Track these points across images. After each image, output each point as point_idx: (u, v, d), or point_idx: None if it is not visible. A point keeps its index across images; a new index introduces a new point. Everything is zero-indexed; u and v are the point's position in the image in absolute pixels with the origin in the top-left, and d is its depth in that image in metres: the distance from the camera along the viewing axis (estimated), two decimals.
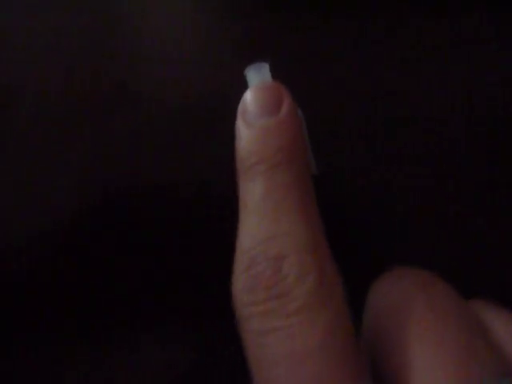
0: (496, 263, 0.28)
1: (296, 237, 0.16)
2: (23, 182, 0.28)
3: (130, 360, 0.28)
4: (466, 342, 0.15)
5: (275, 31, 0.28)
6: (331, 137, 0.28)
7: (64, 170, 0.27)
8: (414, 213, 0.28)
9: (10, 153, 0.28)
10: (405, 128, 0.28)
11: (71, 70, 0.28)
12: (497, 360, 0.15)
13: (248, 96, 0.19)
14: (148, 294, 0.27)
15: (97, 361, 0.27)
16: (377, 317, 0.17)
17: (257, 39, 0.28)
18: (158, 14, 0.29)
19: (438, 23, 0.29)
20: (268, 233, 0.16)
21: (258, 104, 0.18)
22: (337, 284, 0.16)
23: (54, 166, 0.28)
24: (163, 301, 0.27)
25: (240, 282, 0.17)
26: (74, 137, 0.28)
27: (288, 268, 0.16)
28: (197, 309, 0.27)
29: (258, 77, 0.19)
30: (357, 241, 0.28)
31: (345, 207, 0.28)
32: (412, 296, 0.16)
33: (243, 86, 0.20)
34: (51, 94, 0.28)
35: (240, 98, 0.19)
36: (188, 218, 0.27)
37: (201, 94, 0.28)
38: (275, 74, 0.20)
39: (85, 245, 0.27)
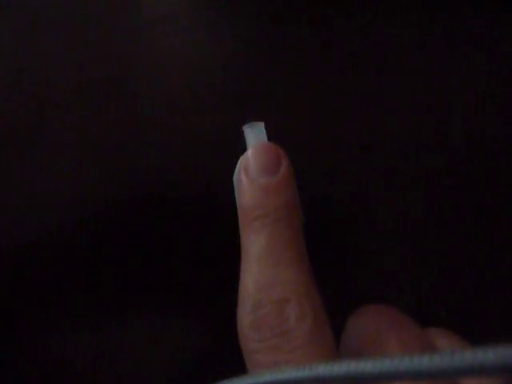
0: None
1: (296, 284, 0.19)
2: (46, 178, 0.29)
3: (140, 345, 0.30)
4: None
5: (274, 45, 0.30)
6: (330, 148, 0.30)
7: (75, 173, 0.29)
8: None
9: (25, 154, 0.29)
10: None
11: (82, 80, 0.29)
12: None
13: (250, 154, 0.21)
14: (160, 280, 0.29)
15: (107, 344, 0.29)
16: (355, 344, 0.20)
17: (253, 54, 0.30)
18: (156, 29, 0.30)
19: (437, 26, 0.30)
20: (271, 279, 0.19)
21: (259, 163, 0.21)
22: (327, 324, 0.19)
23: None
24: (173, 288, 0.30)
25: (247, 321, 0.19)
26: (84, 140, 0.29)
27: (290, 310, 0.19)
28: (206, 296, 0.29)
29: (254, 135, 0.22)
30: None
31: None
32: (385, 331, 0.19)
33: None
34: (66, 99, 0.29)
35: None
36: (193, 210, 0.30)
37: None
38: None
39: (96, 237, 0.29)
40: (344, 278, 0.30)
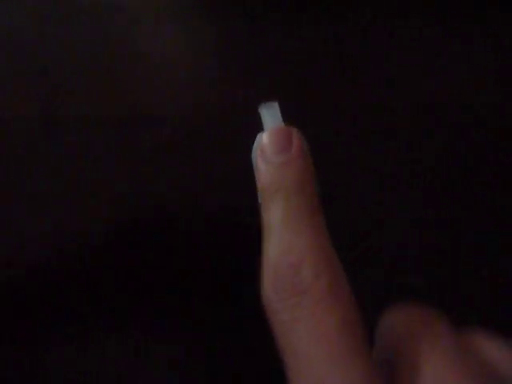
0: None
1: (312, 247, 0.21)
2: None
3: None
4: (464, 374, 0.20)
5: (275, 40, 0.32)
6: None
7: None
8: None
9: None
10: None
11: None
12: None
13: (264, 138, 0.23)
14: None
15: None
16: (388, 346, 0.22)
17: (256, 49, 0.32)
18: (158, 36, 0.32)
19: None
20: (289, 245, 0.21)
21: (272, 144, 0.23)
22: (346, 285, 0.21)
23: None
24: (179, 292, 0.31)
25: (269, 284, 0.21)
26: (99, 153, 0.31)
27: (306, 270, 0.21)
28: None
29: (270, 113, 0.24)
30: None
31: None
32: (419, 334, 0.21)
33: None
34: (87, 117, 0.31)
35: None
36: (201, 218, 0.31)
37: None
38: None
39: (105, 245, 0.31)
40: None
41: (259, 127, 0.24)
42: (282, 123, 0.24)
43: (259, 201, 0.23)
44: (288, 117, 0.32)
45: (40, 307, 0.31)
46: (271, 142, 0.23)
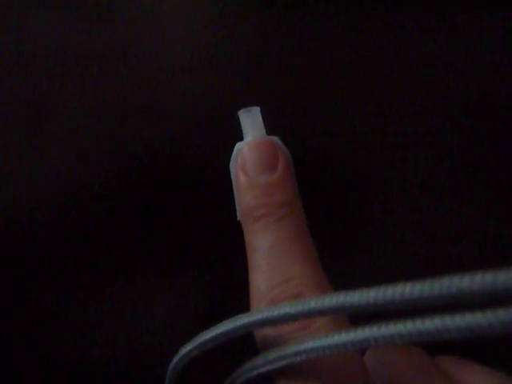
0: None
1: (308, 277, 0.19)
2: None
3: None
4: None
5: (274, 34, 0.31)
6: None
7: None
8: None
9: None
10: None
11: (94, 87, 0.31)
12: None
13: (246, 151, 0.21)
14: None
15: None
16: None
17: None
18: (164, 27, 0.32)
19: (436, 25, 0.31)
20: (283, 276, 0.19)
21: (256, 161, 0.21)
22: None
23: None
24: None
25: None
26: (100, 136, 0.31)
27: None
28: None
29: (250, 120, 0.22)
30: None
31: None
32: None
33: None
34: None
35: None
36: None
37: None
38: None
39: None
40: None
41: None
42: (264, 131, 0.22)
43: (238, 218, 0.22)
44: (289, 112, 0.31)
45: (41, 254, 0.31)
46: (254, 158, 0.21)
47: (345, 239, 0.31)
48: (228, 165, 0.22)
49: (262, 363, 0.18)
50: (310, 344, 0.17)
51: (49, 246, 0.31)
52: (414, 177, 0.31)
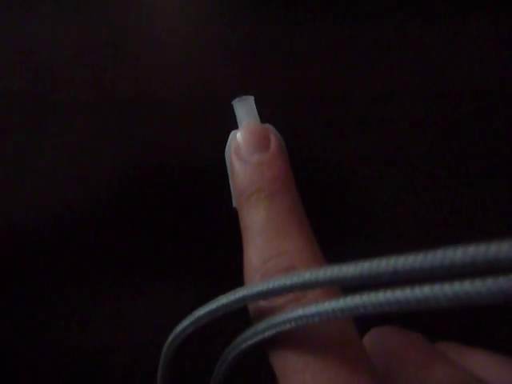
0: None
1: (301, 251, 0.19)
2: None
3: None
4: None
5: (270, 32, 0.32)
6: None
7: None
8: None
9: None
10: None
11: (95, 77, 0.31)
12: None
13: (239, 136, 0.21)
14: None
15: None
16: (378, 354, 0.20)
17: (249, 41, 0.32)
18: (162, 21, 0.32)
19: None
20: (276, 250, 0.19)
21: (249, 142, 0.21)
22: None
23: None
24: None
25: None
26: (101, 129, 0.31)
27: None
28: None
29: (244, 109, 0.22)
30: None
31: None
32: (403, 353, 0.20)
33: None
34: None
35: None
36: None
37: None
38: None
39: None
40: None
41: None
42: (258, 119, 0.22)
43: (234, 205, 0.22)
44: (289, 103, 0.31)
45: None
46: (247, 141, 0.21)
47: (333, 227, 0.31)
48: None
49: (252, 334, 0.19)
50: (300, 312, 0.17)
51: (48, 243, 0.31)
52: (405, 163, 0.32)
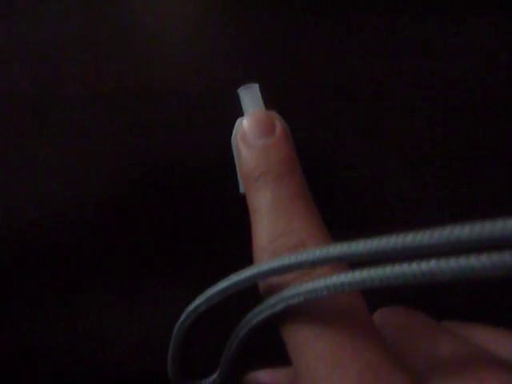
0: None
1: (309, 229, 0.20)
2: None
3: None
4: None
5: (273, 30, 0.32)
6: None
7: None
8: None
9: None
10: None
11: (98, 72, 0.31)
12: None
13: (245, 123, 0.22)
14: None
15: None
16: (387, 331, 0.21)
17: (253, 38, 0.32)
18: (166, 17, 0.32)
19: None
20: (284, 229, 0.19)
21: (255, 128, 0.22)
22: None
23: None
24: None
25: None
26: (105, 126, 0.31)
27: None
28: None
29: (249, 97, 0.23)
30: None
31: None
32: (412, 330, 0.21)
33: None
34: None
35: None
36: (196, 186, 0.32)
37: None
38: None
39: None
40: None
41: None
42: (263, 106, 0.23)
43: (240, 191, 0.22)
44: (290, 93, 0.31)
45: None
46: (253, 127, 0.22)
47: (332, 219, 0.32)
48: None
49: (262, 309, 0.19)
50: (309, 285, 0.18)
51: (48, 240, 0.31)
52: (404, 159, 0.32)
